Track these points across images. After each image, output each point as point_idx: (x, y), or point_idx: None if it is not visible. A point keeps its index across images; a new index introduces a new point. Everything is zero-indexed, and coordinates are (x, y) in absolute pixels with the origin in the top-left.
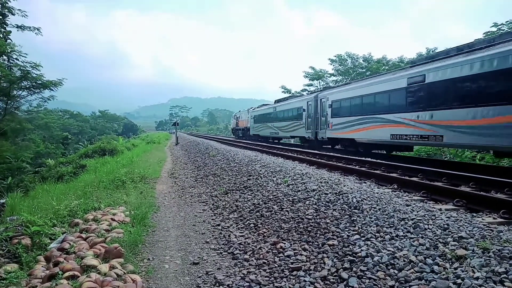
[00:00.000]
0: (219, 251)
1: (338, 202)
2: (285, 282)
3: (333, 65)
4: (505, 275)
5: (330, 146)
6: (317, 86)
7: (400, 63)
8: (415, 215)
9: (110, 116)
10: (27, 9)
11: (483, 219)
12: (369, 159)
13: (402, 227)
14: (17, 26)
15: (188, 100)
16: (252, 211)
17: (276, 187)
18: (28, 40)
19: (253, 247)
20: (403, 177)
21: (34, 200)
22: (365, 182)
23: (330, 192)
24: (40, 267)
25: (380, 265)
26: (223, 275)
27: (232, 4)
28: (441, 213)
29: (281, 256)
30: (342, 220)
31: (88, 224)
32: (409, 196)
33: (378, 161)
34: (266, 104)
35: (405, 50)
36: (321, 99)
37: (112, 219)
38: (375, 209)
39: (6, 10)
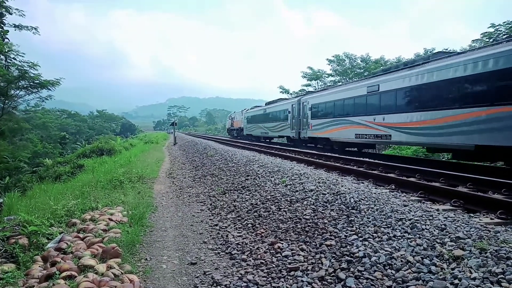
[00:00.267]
0: (216, 251)
1: (336, 202)
2: (282, 282)
3: (331, 66)
4: (502, 276)
5: (313, 145)
6: (315, 86)
7: (398, 63)
8: (413, 215)
9: (108, 116)
10: (26, 9)
11: (480, 220)
12: (367, 159)
13: (399, 227)
14: (15, 26)
15: (186, 100)
16: (250, 211)
17: (274, 187)
18: (26, 40)
19: (250, 247)
20: (400, 178)
21: (31, 200)
22: (362, 183)
23: (328, 193)
24: (37, 267)
25: (378, 265)
26: (221, 275)
27: (231, 4)
28: (438, 213)
29: (279, 256)
30: (340, 220)
31: (86, 224)
32: (406, 197)
33: (375, 161)
34: (258, 106)
35: (404, 50)
36: (303, 103)
37: (109, 219)
38: (372, 210)
39: (4, 10)
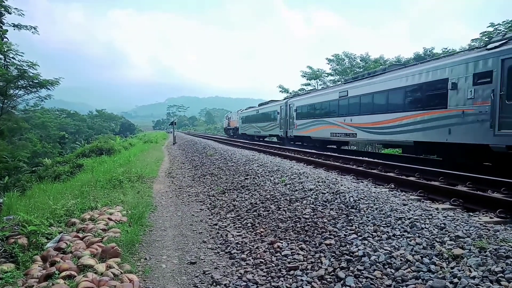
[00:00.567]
0: (216, 251)
1: (335, 201)
2: (282, 281)
3: (331, 65)
4: (501, 274)
5: (300, 143)
6: (314, 86)
7: (397, 62)
8: (412, 214)
9: (107, 116)
10: (25, 8)
11: (479, 219)
12: (366, 158)
13: (399, 226)
14: (14, 25)
15: (185, 100)
16: (249, 211)
17: (273, 186)
18: (25, 39)
19: (250, 246)
20: (400, 177)
21: (31, 199)
22: (362, 182)
23: (327, 192)
24: (36, 266)
25: (377, 264)
26: (220, 275)
27: (231, 4)
28: (438, 212)
29: (278, 256)
30: (339, 219)
31: (85, 224)
32: (406, 196)
33: (375, 160)
34: (252, 107)
35: (403, 50)
36: (289, 105)
37: (109, 218)
38: (372, 209)
39: (3, 9)
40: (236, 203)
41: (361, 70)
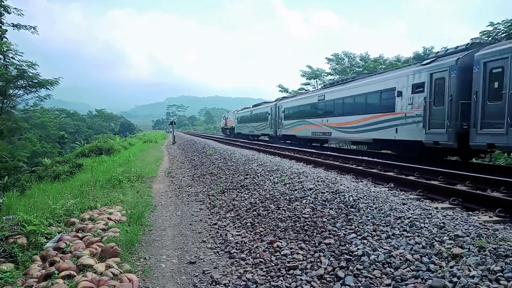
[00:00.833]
0: (215, 250)
1: (335, 201)
2: (281, 281)
3: (330, 64)
4: (500, 274)
5: (289, 141)
6: (314, 85)
7: (396, 62)
8: (412, 213)
9: (107, 115)
10: (25, 8)
11: (479, 218)
12: (366, 158)
13: (398, 225)
14: (13, 25)
15: (185, 99)
16: (249, 210)
17: (273, 186)
18: (25, 39)
19: (249, 246)
20: (399, 176)
21: (30, 199)
22: (361, 181)
23: (326, 191)
24: (36, 266)
25: (377, 263)
26: (220, 274)
27: (231, 4)
28: (437, 211)
29: (278, 255)
30: (339, 219)
31: (85, 224)
32: (405, 195)
33: (374, 160)
34: (247, 108)
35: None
36: (278, 107)
37: (108, 218)
38: (371, 208)
39: (2, 9)
40: (235, 203)
41: (361, 69)
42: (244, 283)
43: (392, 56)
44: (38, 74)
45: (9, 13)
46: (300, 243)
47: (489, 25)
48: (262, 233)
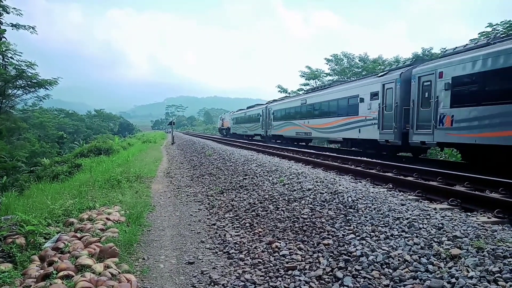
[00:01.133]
0: (214, 251)
1: (334, 201)
2: (280, 281)
3: (329, 65)
4: (499, 274)
5: (279, 141)
6: (313, 86)
7: (395, 62)
8: (410, 214)
9: (105, 115)
10: (24, 8)
11: (477, 219)
12: (365, 158)
13: (397, 226)
14: (12, 25)
15: (184, 100)
16: (247, 211)
17: (271, 186)
18: (24, 39)
19: (248, 246)
20: (398, 177)
21: (29, 199)
22: (360, 182)
23: (325, 192)
24: (34, 266)
25: (375, 264)
26: (218, 275)
27: (230, 4)
28: (435, 212)
29: (276, 256)
30: (338, 219)
31: (83, 224)
32: (404, 196)
33: (373, 160)
34: (242, 109)
35: (402, 50)
36: (268, 109)
37: (107, 218)
38: (370, 209)
39: (1, 9)
40: (234, 203)
41: (360, 70)
42: (243, 283)
43: (391, 57)
44: (37, 74)
45: (8, 13)
46: (299, 244)
47: (488, 26)
48: (260, 233)
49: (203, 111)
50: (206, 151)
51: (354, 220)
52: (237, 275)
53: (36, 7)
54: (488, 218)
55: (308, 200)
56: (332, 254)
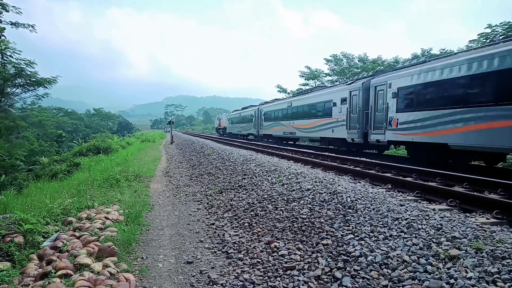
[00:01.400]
0: (213, 250)
1: (333, 201)
2: (279, 281)
3: (329, 65)
4: (497, 275)
5: (270, 140)
6: (312, 86)
7: (395, 63)
8: (409, 215)
9: (104, 114)
10: (24, 7)
11: (476, 220)
12: (364, 159)
13: (396, 227)
14: (11, 23)
15: (183, 99)
16: (246, 210)
17: (271, 186)
18: (24, 37)
19: (247, 246)
20: (397, 177)
21: (27, 198)
22: (359, 182)
23: (324, 192)
24: (32, 265)
25: (374, 264)
26: (217, 274)
27: (230, 4)
28: (434, 213)
29: (275, 256)
30: (336, 219)
31: (82, 223)
32: (403, 196)
33: (372, 161)
34: (237, 110)
35: (402, 50)
36: (260, 110)
37: (105, 217)
38: (369, 209)
39: (0, 7)
40: (233, 203)
41: (359, 70)
42: (242, 283)
43: (390, 57)
44: (36, 73)
45: (7, 11)
46: (298, 244)
47: (487, 27)
48: (259, 233)
49: (202, 111)
50: (205, 151)
51: (353, 220)
52: (236, 274)
53: (36, 6)
54: (487, 219)
55: (307, 200)
56: (331, 254)
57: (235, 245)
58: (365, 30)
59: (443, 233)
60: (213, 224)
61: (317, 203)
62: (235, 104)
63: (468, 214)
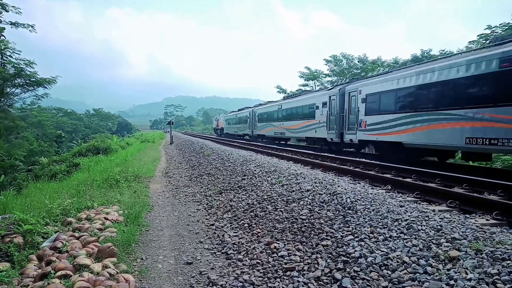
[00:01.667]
0: (212, 251)
1: (332, 202)
2: (278, 282)
3: (329, 66)
4: (497, 277)
5: (264, 140)
6: (312, 86)
7: (394, 64)
8: (409, 216)
9: (104, 115)
10: (24, 7)
11: (476, 221)
12: (363, 159)
13: (395, 228)
14: (11, 23)
15: (183, 99)
16: (246, 211)
17: (270, 187)
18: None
19: (247, 247)
20: (397, 178)
21: (27, 198)
22: (359, 183)
23: (324, 193)
24: (32, 266)
25: (374, 265)
26: (217, 275)
27: (230, 4)
28: (434, 214)
29: (275, 256)
30: (336, 220)
31: (81, 223)
32: (402, 197)
33: (372, 161)
34: (234, 111)
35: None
36: (254, 112)
37: (105, 218)
38: (369, 210)
39: (0, 7)
40: (233, 204)
41: (359, 71)
42: (241, 284)
43: (390, 58)
44: (36, 73)
45: (7, 11)
46: (298, 245)
47: (486, 28)
48: (259, 234)
49: (202, 111)
50: (205, 151)
51: (353, 221)
52: (236, 275)
53: (36, 6)
54: (487, 220)
55: (307, 201)
56: (330, 255)
57: (235, 246)
58: (365, 30)
59: (443, 234)
60: (212, 224)
61: (316, 204)
62: (235, 104)
63: (468, 215)
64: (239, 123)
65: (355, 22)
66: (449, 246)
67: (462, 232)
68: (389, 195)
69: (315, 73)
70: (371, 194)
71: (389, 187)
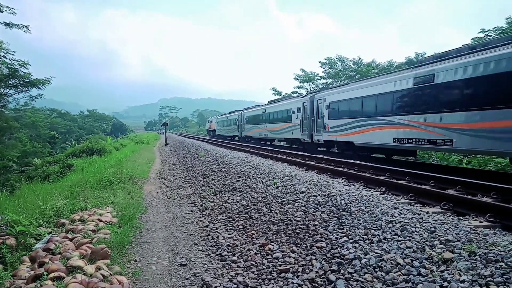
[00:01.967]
0: (207, 253)
1: (327, 204)
2: (273, 284)
3: (324, 68)
4: (490, 278)
5: (248, 140)
6: (307, 89)
7: (389, 67)
8: (403, 218)
9: (98, 116)
10: (19, 8)
11: (469, 223)
12: (358, 161)
13: (389, 229)
14: (5, 24)
15: (178, 101)
16: (240, 213)
17: (265, 188)
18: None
19: (241, 248)
20: (391, 180)
21: (19, 199)
22: (353, 185)
23: (319, 194)
24: (24, 267)
25: (368, 267)
26: (211, 277)
27: (225, 5)
28: (428, 216)
29: (269, 258)
30: (331, 222)
31: (75, 225)
32: (397, 199)
33: (366, 163)
34: (225, 114)
35: (396, 54)
36: (243, 115)
37: (99, 219)
38: (363, 212)
39: None
40: (227, 205)
41: (354, 74)
42: (235, 286)
43: (384, 61)
44: (30, 73)
45: (1, 11)
46: (292, 246)
47: (480, 32)
48: (253, 235)
49: (197, 113)
50: (200, 153)
51: (347, 223)
52: (230, 277)
53: (31, 6)
54: (480, 222)
55: (302, 203)
56: (325, 257)
57: (229, 247)
58: (360, 33)
59: (437, 236)
60: (207, 226)
61: (311, 205)
62: (230, 106)
63: (461, 217)
64: (230, 125)
65: (350, 25)
66: (442, 248)
67: (456, 234)
68: (383, 197)
69: (310, 76)
70: (365, 196)
71: (383, 189)
